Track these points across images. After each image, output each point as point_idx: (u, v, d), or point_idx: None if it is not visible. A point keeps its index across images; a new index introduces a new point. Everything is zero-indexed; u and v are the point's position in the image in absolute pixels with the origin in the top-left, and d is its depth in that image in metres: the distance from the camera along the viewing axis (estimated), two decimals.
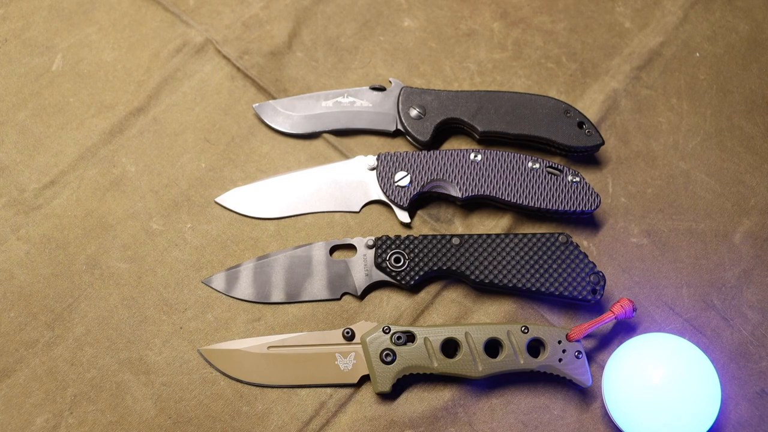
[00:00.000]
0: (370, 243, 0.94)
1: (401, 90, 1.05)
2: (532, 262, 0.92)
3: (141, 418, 0.87)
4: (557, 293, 0.91)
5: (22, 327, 0.91)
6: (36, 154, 1.01)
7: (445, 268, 0.93)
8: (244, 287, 0.94)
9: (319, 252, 0.95)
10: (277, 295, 0.94)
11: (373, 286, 0.95)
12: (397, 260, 0.93)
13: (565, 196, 0.96)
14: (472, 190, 0.97)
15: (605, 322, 0.88)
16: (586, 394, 0.90)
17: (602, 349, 0.92)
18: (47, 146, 1.02)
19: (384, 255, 0.93)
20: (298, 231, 0.98)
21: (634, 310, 0.89)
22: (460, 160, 0.98)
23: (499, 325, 0.88)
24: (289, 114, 1.04)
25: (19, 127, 1.03)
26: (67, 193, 0.99)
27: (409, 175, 0.98)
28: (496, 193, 0.97)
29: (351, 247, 0.96)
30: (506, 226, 0.99)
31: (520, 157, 0.98)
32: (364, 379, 0.89)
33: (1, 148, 1.02)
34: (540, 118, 1.02)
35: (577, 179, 0.97)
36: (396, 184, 0.98)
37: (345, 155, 1.03)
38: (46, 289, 0.93)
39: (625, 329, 0.93)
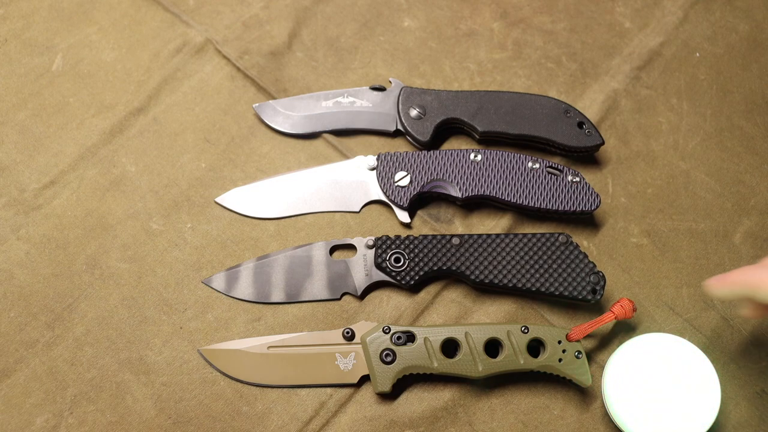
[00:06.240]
0: (370, 243, 0.94)
1: (401, 90, 1.04)
2: (532, 262, 0.92)
3: (141, 418, 0.87)
4: (557, 293, 0.91)
5: (22, 327, 0.91)
6: (36, 154, 1.01)
7: (445, 268, 0.93)
8: (244, 287, 0.94)
9: (319, 252, 0.95)
10: (277, 295, 0.94)
11: (373, 286, 0.95)
12: (397, 260, 0.93)
13: (565, 196, 0.96)
14: (472, 190, 0.97)
15: (605, 322, 0.88)
16: (586, 394, 0.90)
17: (602, 349, 0.92)
18: (47, 146, 1.02)
19: (384, 255, 0.93)
20: (298, 231, 0.98)
21: (634, 310, 0.89)
22: (460, 160, 0.98)
23: (499, 325, 0.88)
24: (289, 114, 1.04)
25: (19, 127, 1.03)
26: (67, 193, 0.99)
27: (409, 175, 0.98)
28: (496, 193, 0.97)
29: (351, 247, 0.96)
30: (506, 226, 0.99)
31: (520, 157, 0.98)
32: (364, 379, 0.89)
33: (1, 148, 1.02)
34: (540, 118, 1.01)
35: (577, 179, 0.97)
36: (396, 184, 0.98)
37: (345, 155, 1.03)
38: (46, 289, 0.93)
39: (625, 329, 0.93)
